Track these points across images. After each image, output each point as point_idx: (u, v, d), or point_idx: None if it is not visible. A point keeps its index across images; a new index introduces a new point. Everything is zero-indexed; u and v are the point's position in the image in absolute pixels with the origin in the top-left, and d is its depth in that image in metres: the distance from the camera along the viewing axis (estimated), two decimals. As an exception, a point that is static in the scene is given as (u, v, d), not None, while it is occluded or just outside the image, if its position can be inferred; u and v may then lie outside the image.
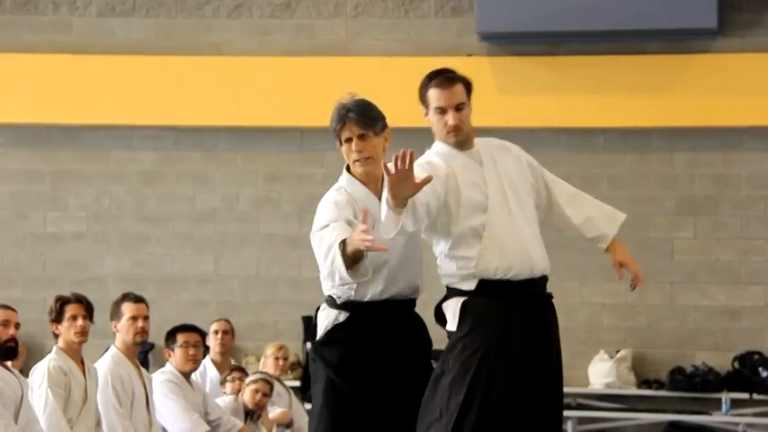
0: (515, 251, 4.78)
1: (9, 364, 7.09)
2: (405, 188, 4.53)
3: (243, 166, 12.97)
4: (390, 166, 4.56)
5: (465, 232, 4.79)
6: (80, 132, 13.06)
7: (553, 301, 4.97)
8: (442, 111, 4.89)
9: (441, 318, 4.92)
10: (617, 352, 12.32)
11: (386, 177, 4.57)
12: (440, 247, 4.88)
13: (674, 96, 12.25)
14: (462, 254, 4.79)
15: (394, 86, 12.45)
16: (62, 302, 7.36)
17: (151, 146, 13.03)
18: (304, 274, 12.58)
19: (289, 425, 10.11)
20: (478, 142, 5.13)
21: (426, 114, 5.06)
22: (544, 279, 4.92)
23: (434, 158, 4.94)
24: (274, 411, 9.48)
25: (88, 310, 7.40)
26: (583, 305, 12.47)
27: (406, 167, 4.49)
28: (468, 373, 4.67)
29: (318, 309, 5.36)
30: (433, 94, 4.89)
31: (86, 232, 13.06)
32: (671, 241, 12.52)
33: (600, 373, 12.22)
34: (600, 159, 12.65)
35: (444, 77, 4.91)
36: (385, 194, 4.62)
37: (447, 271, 4.86)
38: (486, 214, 4.80)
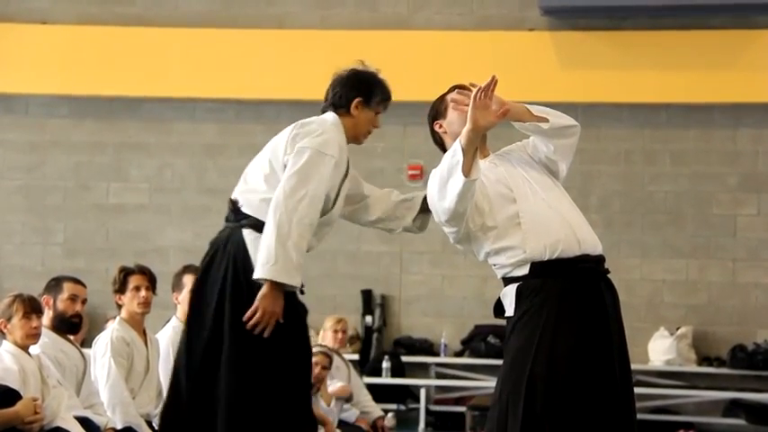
0: (557, 228, 4.77)
1: (72, 337, 7.17)
2: (485, 116, 4.61)
3: (303, 139, 12.98)
4: (466, 96, 4.77)
5: (503, 224, 4.79)
6: (143, 104, 13.16)
7: (610, 277, 4.92)
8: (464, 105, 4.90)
9: (500, 309, 4.91)
10: (677, 329, 12.26)
11: (470, 106, 4.61)
12: (483, 250, 4.88)
13: (738, 72, 12.12)
14: (507, 245, 4.79)
15: (455, 60, 12.45)
16: (126, 273, 7.42)
17: (213, 118, 13.10)
18: (363, 247, 12.62)
19: (348, 399, 10.15)
20: (488, 150, 5.16)
21: (441, 127, 5.07)
22: (599, 258, 4.89)
23: None
24: (334, 385, 9.52)
25: (151, 281, 7.46)
26: (643, 281, 12.41)
27: (489, 96, 4.59)
28: (530, 352, 4.67)
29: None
30: (453, 95, 4.94)
31: (148, 203, 13.17)
32: (734, 218, 12.42)
33: (660, 349, 12.17)
34: (662, 135, 12.57)
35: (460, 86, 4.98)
36: (457, 141, 4.63)
37: (498, 263, 4.85)
38: (516, 204, 4.81)
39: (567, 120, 4.99)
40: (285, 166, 5.38)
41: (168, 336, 7.71)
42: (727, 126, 12.47)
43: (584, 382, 4.66)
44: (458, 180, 4.62)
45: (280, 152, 5.48)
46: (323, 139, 5.43)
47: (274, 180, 5.41)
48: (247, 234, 5.38)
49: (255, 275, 5.20)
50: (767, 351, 11.98)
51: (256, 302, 5.19)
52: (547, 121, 4.95)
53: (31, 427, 6.10)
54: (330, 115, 5.64)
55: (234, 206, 5.52)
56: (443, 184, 4.71)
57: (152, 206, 13.16)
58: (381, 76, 5.82)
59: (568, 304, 4.74)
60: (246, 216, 5.44)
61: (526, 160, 5.06)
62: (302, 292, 5.48)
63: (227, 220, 5.56)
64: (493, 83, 4.65)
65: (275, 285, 5.21)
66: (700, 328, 12.35)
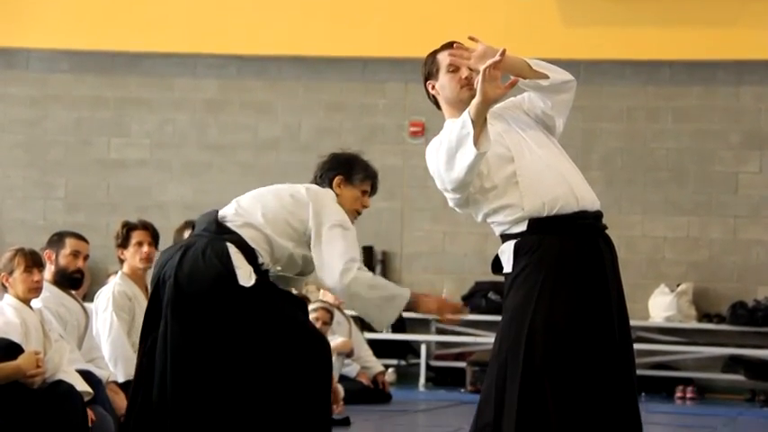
0: (554, 184, 4.77)
1: (73, 292, 7.19)
2: (493, 88, 4.61)
3: (305, 95, 12.98)
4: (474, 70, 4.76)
5: (501, 184, 4.80)
6: (144, 60, 13.13)
7: (610, 234, 4.94)
8: (456, 69, 4.89)
9: (497, 266, 4.93)
10: (678, 285, 12.28)
11: (480, 79, 4.62)
12: (482, 211, 4.89)
13: (741, 29, 12.08)
14: (506, 203, 4.80)
15: (458, 17, 12.39)
16: (128, 228, 7.42)
17: (215, 74, 13.08)
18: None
19: (349, 354, 10.19)
20: None
21: (433, 88, 5.05)
22: (597, 214, 4.90)
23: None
24: (334, 340, 9.55)
25: (154, 236, 7.47)
26: (645, 238, 12.42)
27: (498, 69, 4.59)
28: (528, 308, 4.68)
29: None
30: (444, 56, 4.92)
31: (150, 159, 13.16)
32: (736, 175, 12.42)
33: (660, 306, 12.19)
34: (665, 92, 12.54)
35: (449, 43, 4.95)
36: (466, 112, 4.63)
37: (497, 221, 4.86)
38: (514, 163, 4.81)
39: (563, 74, 4.98)
40: (306, 232, 5.49)
41: (170, 290, 7.71)
42: (730, 83, 12.44)
43: (583, 338, 4.68)
44: (469, 152, 4.62)
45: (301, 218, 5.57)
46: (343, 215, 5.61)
47: (283, 228, 5.50)
48: (231, 247, 5.35)
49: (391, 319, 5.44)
50: (767, 308, 12.01)
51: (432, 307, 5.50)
52: (547, 77, 4.94)
53: (33, 380, 6.13)
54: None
55: (217, 221, 5.47)
56: (452, 156, 4.71)
57: (153, 162, 13.16)
58: (363, 156, 5.96)
59: (567, 260, 4.75)
60: (233, 233, 5.42)
61: (521, 118, 5.05)
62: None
63: (203, 229, 5.48)
64: (502, 56, 4.64)
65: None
66: (700, 285, 12.37)
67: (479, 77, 4.64)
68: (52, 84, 13.27)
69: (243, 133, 12.88)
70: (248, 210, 5.53)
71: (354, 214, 5.77)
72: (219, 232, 5.42)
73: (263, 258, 5.38)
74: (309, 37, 12.68)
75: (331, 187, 5.76)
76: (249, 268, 5.30)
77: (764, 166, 12.39)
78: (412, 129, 12.72)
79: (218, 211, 5.52)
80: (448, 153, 4.72)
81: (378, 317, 5.42)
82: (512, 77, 4.78)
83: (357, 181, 5.83)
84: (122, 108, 13.21)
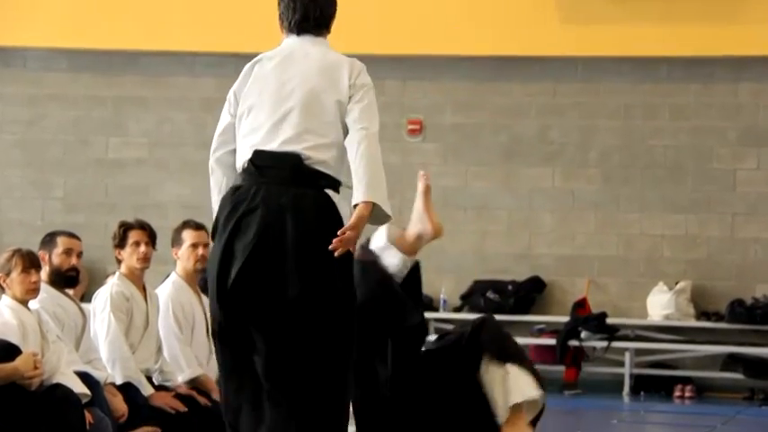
0: None
1: (70, 292, 7.18)
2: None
3: (303, 93, 12.96)
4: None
5: None
6: (141, 58, 13.11)
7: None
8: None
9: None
10: (676, 284, 12.27)
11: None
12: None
13: (739, 25, 12.07)
14: None
15: (455, 15, 12.37)
16: (125, 228, 7.41)
17: (212, 72, 13.05)
18: (363, 202, 12.61)
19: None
20: None
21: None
22: None
23: None
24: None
25: (151, 236, 7.45)
26: (643, 236, 12.41)
27: None
28: None
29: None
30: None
31: (147, 158, 13.15)
32: (733, 172, 12.41)
33: (659, 304, 12.19)
34: (663, 89, 12.54)
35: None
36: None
37: None
38: None
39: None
40: (347, 101, 5.05)
41: (167, 291, 7.71)
42: (727, 80, 12.44)
43: None
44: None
45: (345, 94, 5.06)
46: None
47: (338, 125, 5.03)
48: (333, 195, 5.03)
49: (364, 197, 4.88)
50: (765, 306, 12.01)
51: (353, 221, 4.88)
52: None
53: (30, 382, 6.12)
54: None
55: (299, 163, 4.99)
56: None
57: (151, 161, 13.14)
58: None
59: None
60: (324, 176, 5.01)
61: None
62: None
63: (282, 179, 5.00)
64: None
65: (370, 211, 4.92)
66: (698, 283, 12.36)
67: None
68: (49, 83, 13.26)
69: (240, 132, 12.86)
70: (319, 131, 5.09)
71: None
72: (310, 180, 5.06)
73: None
74: (307, 35, 12.65)
75: (329, 28, 5.34)
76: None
77: (762, 162, 12.39)
78: (410, 127, 12.70)
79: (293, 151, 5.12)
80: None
81: (369, 182, 4.93)
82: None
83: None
84: (120, 107, 13.20)
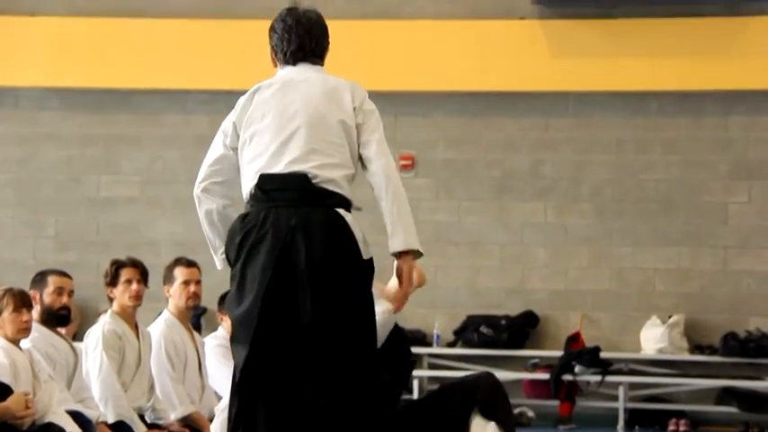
0: None
1: (62, 331, 7.16)
2: None
3: (295, 130, 12.98)
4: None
5: None
6: (134, 96, 13.13)
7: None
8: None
9: None
10: (669, 317, 12.26)
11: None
12: None
13: (729, 59, 12.12)
14: None
15: (446, 50, 12.43)
16: (117, 266, 7.41)
17: (204, 110, 13.06)
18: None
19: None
20: None
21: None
22: None
23: None
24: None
25: (143, 274, 7.45)
26: (635, 270, 12.41)
27: None
28: None
29: None
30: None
31: (140, 196, 13.14)
32: (725, 206, 12.43)
33: (652, 338, 12.17)
34: (654, 123, 12.57)
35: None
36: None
37: None
38: None
39: None
40: (355, 127, 5.09)
41: (160, 329, 7.70)
42: (718, 114, 12.47)
43: None
44: None
45: (350, 115, 5.08)
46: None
47: (344, 145, 5.04)
48: (345, 215, 4.96)
49: (405, 246, 4.94)
50: (759, 339, 12.00)
51: (407, 273, 4.97)
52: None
53: (22, 421, 6.10)
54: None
55: (306, 183, 4.92)
56: None
57: (143, 199, 13.13)
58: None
59: None
60: (333, 194, 4.96)
61: None
62: None
63: (290, 200, 4.92)
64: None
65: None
66: (692, 317, 12.35)
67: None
68: (41, 122, 13.26)
69: (233, 169, 12.86)
70: (326, 151, 5.08)
71: None
72: (319, 199, 5.03)
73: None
74: (298, 72, 12.69)
75: (323, 57, 5.43)
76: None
77: (753, 195, 12.41)
78: (402, 162, 12.71)
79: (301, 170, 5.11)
80: None
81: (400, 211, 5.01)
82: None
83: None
84: (112, 145, 13.20)
